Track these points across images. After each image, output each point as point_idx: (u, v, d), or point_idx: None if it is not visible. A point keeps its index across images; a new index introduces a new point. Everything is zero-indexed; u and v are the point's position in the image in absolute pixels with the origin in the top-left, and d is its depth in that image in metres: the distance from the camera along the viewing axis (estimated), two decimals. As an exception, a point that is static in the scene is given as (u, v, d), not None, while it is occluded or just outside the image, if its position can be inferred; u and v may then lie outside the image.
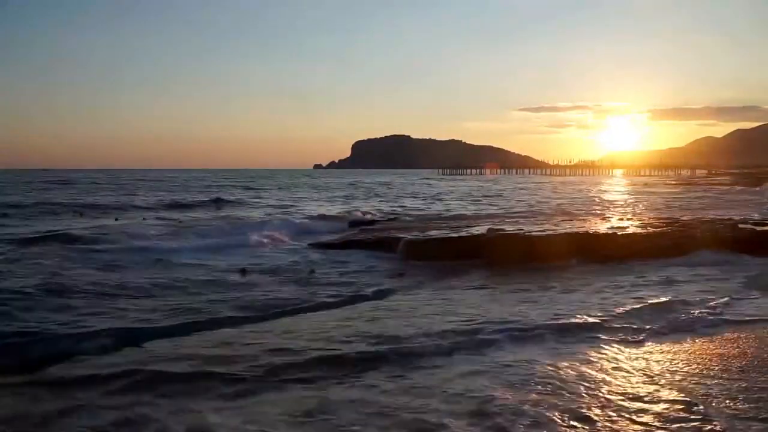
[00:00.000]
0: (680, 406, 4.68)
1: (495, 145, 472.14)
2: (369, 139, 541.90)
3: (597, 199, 36.86)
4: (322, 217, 21.10)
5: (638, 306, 7.96)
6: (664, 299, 8.37)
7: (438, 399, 4.83)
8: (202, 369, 5.56)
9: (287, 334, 6.85)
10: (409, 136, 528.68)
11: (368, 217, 21.72)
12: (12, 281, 9.36)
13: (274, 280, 10.41)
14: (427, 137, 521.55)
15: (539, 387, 5.08)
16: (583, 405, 4.71)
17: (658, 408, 4.67)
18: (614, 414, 4.56)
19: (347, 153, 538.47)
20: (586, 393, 4.96)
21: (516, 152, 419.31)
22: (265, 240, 15.16)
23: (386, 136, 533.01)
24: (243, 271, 11.13)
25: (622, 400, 4.81)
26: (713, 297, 8.49)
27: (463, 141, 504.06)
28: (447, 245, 13.66)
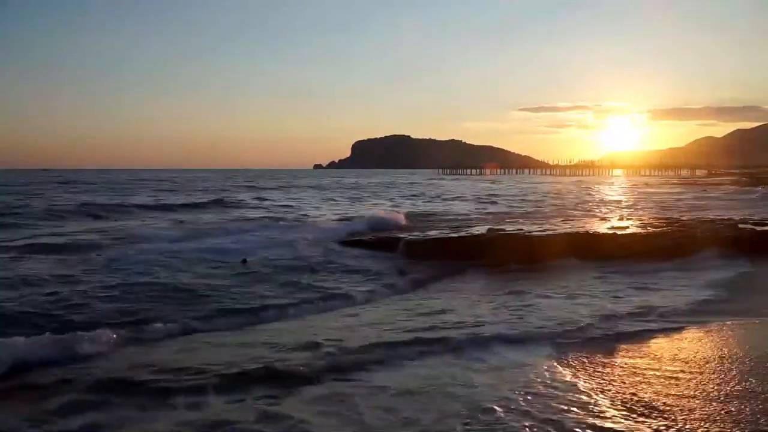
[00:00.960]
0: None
1: (495, 145, 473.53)
2: (369, 139, 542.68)
3: (598, 199, 36.84)
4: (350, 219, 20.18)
5: (596, 315, 7.79)
6: (612, 307, 8.25)
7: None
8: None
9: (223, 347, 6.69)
10: (409, 136, 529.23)
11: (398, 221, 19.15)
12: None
13: (269, 279, 10.38)
14: (427, 137, 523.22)
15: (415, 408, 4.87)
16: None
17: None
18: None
19: (347, 153, 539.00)
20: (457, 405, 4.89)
21: (516, 152, 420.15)
22: (277, 237, 15.10)
23: (386, 136, 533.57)
24: (244, 261, 11.57)
25: (503, 413, 4.72)
26: (667, 304, 8.35)
27: (463, 141, 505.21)
28: (446, 245, 13.66)
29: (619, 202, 34.51)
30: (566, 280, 10.64)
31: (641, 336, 6.83)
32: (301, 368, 5.76)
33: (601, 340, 6.73)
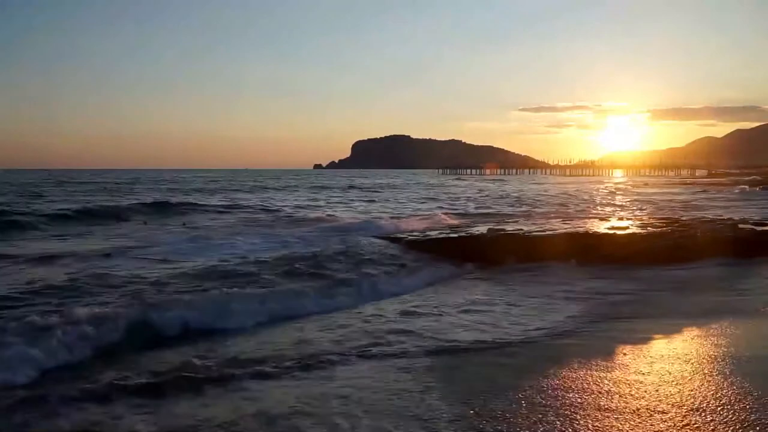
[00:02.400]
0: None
1: (495, 145, 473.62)
2: (369, 139, 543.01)
3: (600, 199, 36.89)
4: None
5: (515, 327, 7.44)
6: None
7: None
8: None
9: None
10: (409, 136, 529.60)
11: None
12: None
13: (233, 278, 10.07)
14: (427, 137, 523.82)
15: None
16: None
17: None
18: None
19: (347, 153, 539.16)
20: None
21: (516, 152, 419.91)
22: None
23: (386, 136, 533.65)
24: (245, 258, 11.87)
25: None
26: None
27: (463, 141, 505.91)
28: (445, 245, 13.61)
29: (621, 201, 34.56)
30: (540, 285, 10.40)
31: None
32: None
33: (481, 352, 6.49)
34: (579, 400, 4.96)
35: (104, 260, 12.09)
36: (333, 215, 23.23)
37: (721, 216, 19.13)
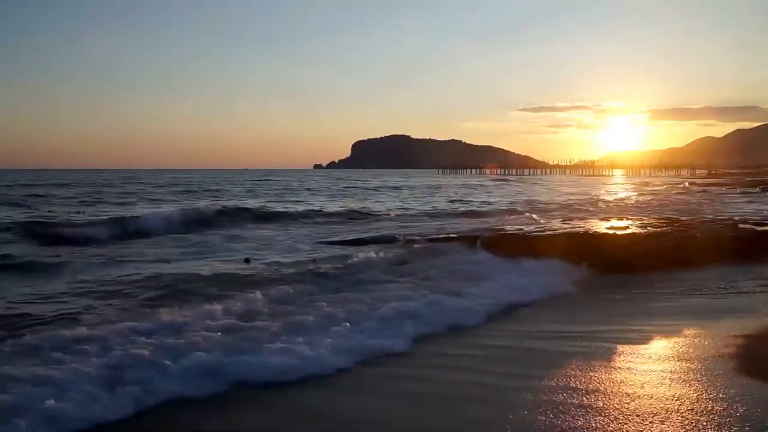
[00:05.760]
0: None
1: (495, 145, 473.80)
2: (369, 139, 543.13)
3: (601, 199, 36.66)
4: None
5: None
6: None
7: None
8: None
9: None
10: (409, 136, 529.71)
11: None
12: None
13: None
14: (427, 137, 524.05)
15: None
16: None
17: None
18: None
19: (347, 153, 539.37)
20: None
21: (516, 152, 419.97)
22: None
23: (386, 136, 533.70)
24: (247, 260, 11.66)
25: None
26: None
27: (463, 141, 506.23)
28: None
29: (621, 201, 34.39)
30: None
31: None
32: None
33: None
34: (580, 400, 4.95)
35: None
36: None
37: (721, 216, 19.09)
